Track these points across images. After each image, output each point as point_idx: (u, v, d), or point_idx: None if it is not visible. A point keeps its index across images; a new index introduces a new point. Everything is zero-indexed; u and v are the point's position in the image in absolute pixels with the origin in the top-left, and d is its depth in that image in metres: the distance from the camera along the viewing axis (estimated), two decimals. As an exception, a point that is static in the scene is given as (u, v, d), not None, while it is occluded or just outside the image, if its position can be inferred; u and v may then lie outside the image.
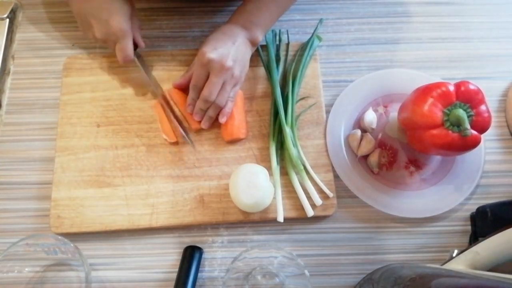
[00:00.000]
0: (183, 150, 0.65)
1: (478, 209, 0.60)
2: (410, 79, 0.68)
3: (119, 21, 0.60)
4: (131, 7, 0.62)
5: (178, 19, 0.74)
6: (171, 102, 0.66)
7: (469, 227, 0.62)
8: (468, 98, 0.56)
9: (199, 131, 0.66)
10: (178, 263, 0.59)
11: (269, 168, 0.62)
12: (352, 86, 0.69)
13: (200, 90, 0.62)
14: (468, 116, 0.56)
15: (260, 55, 0.70)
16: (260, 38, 0.65)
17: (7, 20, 0.73)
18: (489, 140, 0.67)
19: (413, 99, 0.59)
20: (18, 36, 0.73)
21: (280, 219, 0.59)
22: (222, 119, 0.63)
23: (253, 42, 0.65)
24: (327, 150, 0.65)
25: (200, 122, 0.65)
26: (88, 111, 0.67)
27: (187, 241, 0.61)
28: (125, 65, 0.67)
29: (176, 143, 0.65)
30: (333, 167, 0.64)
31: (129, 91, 0.68)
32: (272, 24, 0.67)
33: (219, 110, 0.64)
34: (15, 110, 0.68)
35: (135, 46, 0.66)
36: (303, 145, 0.65)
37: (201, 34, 0.73)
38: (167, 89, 0.67)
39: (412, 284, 0.40)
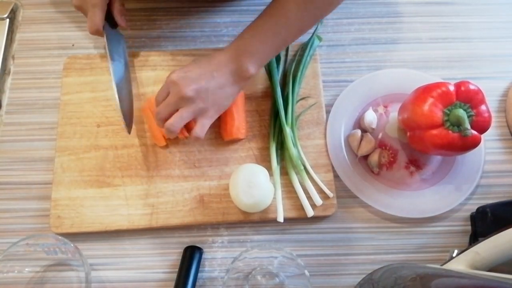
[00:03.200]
0: (183, 150, 0.65)
1: (478, 209, 0.60)
2: (410, 79, 0.68)
3: None
4: None
5: (178, 19, 0.74)
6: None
7: (469, 227, 0.62)
8: (468, 98, 0.56)
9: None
10: (178, 263, 0.59)
11: (269, 168, 0.62)
12: (352, 86, 0.69)
13: (158, 104, 0.60)
14: (468, 116, 0.56)
15: (260, 55, 0.70)
16: (252, 71, 0.58)
17: (7, 20, 0.73)
18: (489, 140, 0.67)
19: (413, 99, 0.59)
20: (18, 36, 0.73)
21: (280, 219, 0.59)
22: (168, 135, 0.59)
23: (242, 75, 0.58)
24: (327, 150, 0.65)
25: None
26: (88, 111, 0.67)
27: (187, 241, 0.61)
28: (96, 37, 0.66)
29: (166, 146, 0.65)
30: (333, 167, 0.64)
31: (129, 91, 0.68)
32: (269, 56, 0.61)
33: (174, 134, 0.59)
34: (15, 110, 0.68)
35: (116, 25, 0.66)
36: (303, 145, 0.65)
37: (201, 34, 0.73)
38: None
39: (412, 284, 0.40)
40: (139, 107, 0.67)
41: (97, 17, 0.62)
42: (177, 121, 0.57)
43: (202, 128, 0.59)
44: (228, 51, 0.59)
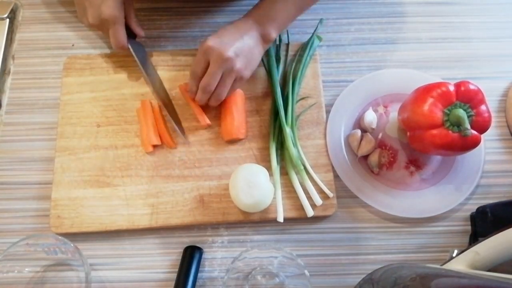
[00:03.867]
0: (183, 150, 0.65)
1: (478, 209, 0.60)
2: (410, 79, 0.68)
3: (111, 6, 0.60)
4: None
5: (178, 19, 0.74)
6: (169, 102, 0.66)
7: (469, 227, 0.62)
8: (468, 98, 0.56)
9: (199, 130, 0.66)
10: (178, 263, 0.59)
11: (269, 168, 0.62)
12: (352, 86, 0.69)
13: (198, 78, 0.61)
14: (468, 116, 0.56)
15: (260, 55, 0.70)
16: (274, 35, 0.63)
17: (7, 20, 0.73)
18: (489, 140, 0.67)
19: (413, 99, 0.59)
20: (18, 36, 0.73)
21: (280, 219, 0.59)
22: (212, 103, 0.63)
23: (265, 39, 0.63)
24: (327, 150, 0.65)
25: (207, 118, 0.65)
26: (88, 111, 0.67)
27: (187, 241, 0.61)
28: (120, 52, 0.67)
29: (152, 153, 0.64)
30: (333, 167, 0.64)
31: (129, 91, 0.68)
32: (288, 22, 0.65)
33: (220, 101, 0.63)
34: (15, 110, 0.68)
35: (134, 35, 0.66)
36: (303, 145, 0.65)
37: (201, 34, 0.73)
38: (180, 84, 0.68)
39: (412, 284, 0.40)
40: (137, 107, 0.67)
41: (121, 33, 0.63)
42: (223, 90, 0.61)
43: (232, 90, 0.63)
44: (251, 17, 0.63)
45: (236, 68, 0.60)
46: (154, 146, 0.64)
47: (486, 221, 0.58)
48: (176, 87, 0.68)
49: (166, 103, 0.66)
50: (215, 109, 0.66)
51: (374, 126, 0.66)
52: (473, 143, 0.56)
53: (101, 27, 0.63)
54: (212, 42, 0.59)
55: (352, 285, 0.59)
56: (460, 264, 0.50)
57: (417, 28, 0.74)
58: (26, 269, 0.59)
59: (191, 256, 0.59)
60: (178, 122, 0.65)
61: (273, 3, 0.62)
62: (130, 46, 0.66)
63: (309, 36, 0.71)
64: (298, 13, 0.65)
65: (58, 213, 0.61)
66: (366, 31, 0.74)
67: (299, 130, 0.66)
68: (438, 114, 0.56)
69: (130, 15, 0.65)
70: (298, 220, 0.62)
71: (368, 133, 0.65)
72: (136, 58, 0.66)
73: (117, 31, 0.62)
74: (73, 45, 0.72)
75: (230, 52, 0.58)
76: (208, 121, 0.65)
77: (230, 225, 0.62)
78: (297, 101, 0.67)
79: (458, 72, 0.71)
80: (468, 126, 0.55)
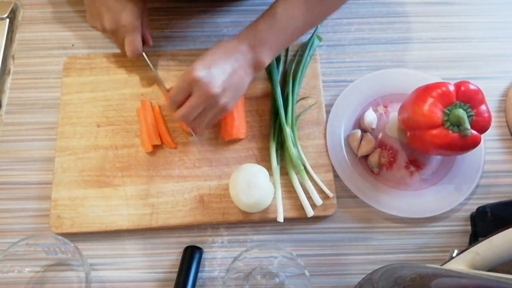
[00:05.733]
0: (183, 150, 0.65)
1: (478, 209, 0.60)
2: (410, 79, 0.68)
3: (131, 15, 0.60)
4: (143, 5, 0.63)
5: (178, 19, 0.74)
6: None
7: (469, 227, 0.62)
8: (468, 98, 0.56)
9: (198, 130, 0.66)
10: (178, 263, 0.59)
11: (269, 168, 0.62)
12: (352, 86, 0.69)
13: (177, 105, 0.57)
14: (468, 116, 0.56)
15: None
16: (267, 62, 0.59)
17: (7, 20, 0.73)
18: (489, 140, 0.67)
19: (413, 99, 0.59)
20: (18, 36, 0.73)
21: (280, 219, 0.59)
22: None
23: (257, 66, 0.59)
24: (327, 150, 0.65)
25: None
26: (88, 111, 0.67)
27: (187, 241, 0.61)
28: (134, 60, 0.67)
29: (152, 153, 0.64)
30: (333, 167, 0.64)
31: (129, 91, 0.68)
32: (282, 48, 0.62)
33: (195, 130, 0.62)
34: (15, 110, 0.68)
35: (143, 43, 0.66)
36: (303, 145, 0.65)
37: (201, 34, 0.73)
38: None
39: (412, 284, 0.40)
40: (137, 107, 0.67)
41: (138, 41, 0.63)
42: (200, 122, 0.58)
43: (212, 121, 0.60)
44: (245, 41, 0.58)
45: (221, 103, 0.56)
46: (154, 146, 0.64)
47: (486, 221, 0.58)
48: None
49: None
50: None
51: (374, 126, 0.66)
52: (473, 143, 0.56)
53: (116, 33, 0.63)
54: (199, 73, 0.54)
55: (352, 285, 0.59)
56: (460, 264, 0.50)
57: (417, 28, 0.74)
58: (26, 269, 0.59)
59: (191, 256, 0.59)
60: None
61: (269, 26, 0.58)
62: (144, 54, 0.66)
63: (309, 36, 0.71)
64: (292, 40, 0.62)
65: (58, 213, 0.61)
66: (366, 31, 0.74)
67: (299, 130, 0.66)
68: (438, 114, 0.56)
69: (145, 24, 0.65)
70: (298, 220, 0.62)
71: (368, 133, 0.65)
72: (150, 65, 0.67)
73: (135, 39, 0.62)
74: (73, 45, 0.72)
75: (217, 88, 0.54)
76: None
77: (230, 225, 0.62)
78: (297, 101, 0.67)
79: (458, 72, 0.71)
80: (468, 126, 0.55)
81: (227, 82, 0.56)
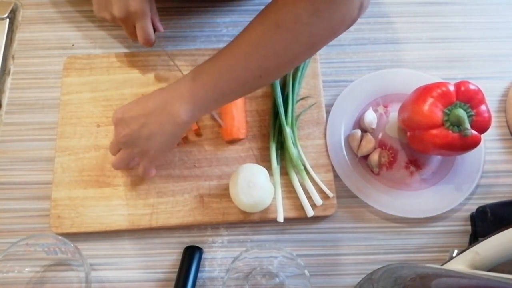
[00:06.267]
0: (183, 150, 0.65)
1: (478, 209, 0.60)
2: (410, 79, 0.68)
3: (140, 1, 0.60)
4: None
5: (178, 19, 0.74)
6: None
7: (469, 227, 0.62)
8: (468, 98, 0.56)
9: (198, 130, 0.66)
10: (178, 263, 0.59)
11: (269, 168, 0.62)
12: (352, 86, 0.69)
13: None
14: (468, 116, 0.56)
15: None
16: (184, 117, 0.53)
17: (7, 20, 0.73)
18: (489, 140, 0.67)
19: (413, 99, 0.59)
20: (18, 36, 0.73)
21: (280, 219, 0.59)
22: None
23: (174, 121, 0.53)
24: (327, 150, 0.65)
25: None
26: (88, 111, 0.67)
27: (187, 241, 0.61)
28: (147, 46, 0.65)
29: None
30: (333, 167, 0.64)
31: (129, 91, 0.68)
32: (206, 105, 0.54)
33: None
34: (15, 110, 0.68)
35: (154, 30, 0.66)
36: (303, 145, 0.65)
37: (201, 34, 0.73)
38: None
39: (412, 284, 0.40)
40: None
41: (150, 27, 0.63)
42: (118, 162, 0.59)
43: (144, 169, 0.58)
44: (167, 91, 0.54)
45: (135, 151, 0.56)
46: None
47: (486, 221, 0.58)
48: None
49: None
50: (215, 109, 0.66)
51: (374, 126, 0.66)
52: (473, 143, 0.56)
53: (126, 21, 0.62)
54: (116, 116, 0.55)
55: (352, 285, 0.59)
56: (460, 264, 0.50)
57: (417, 28, 0.74)
58: (26, 269, 0.59)
59: (191, 256, 0.59)
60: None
61: (192, 80, 0.53)
62: (157, 41, 0.66)
63: (309, 36, 0.71)
64: (221, 98, 0.54)
65: (58, 213, 0.61)
66: (366, 31, 0.74)
67: (299, 130, 0.66)
68: (438, 114, 0.56)
69: (154, 10, 0.65)
70: (298, 220, 0.62)
71: (368, 133, 0.65)
72: (164, 50, 0.66)
73: (146, 25, 0.62)
74: (73, 45, 0.72)
75: (122, 138, 0.55)
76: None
77: (230, 225, 0.62)
78: (297, 101, 0.67)
79: (458, 72, 0.71)
80: (468, 126, 0.55)
81: (135, 135, 0.54)
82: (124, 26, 0.64)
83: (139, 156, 0.57)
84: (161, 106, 0.54)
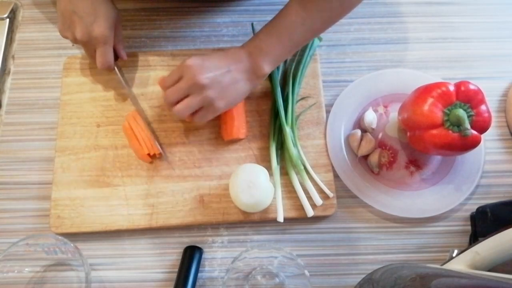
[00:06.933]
0: (183, 150, 0.65)
1: (478, 209, 0.60)
2: (410, 79, 0.68)
3: (103, 26, 0.59)
4: (117, 16, 0.62)
5: (178, 19, 0.74)
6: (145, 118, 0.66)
7: (469, 227, 0.62)
8: (468, 98, 0.56)
9: (199, 130, 0.66)
10: (178, 263, 0.59)
11: (269, 168, 0.62)
12: (352, 86, 0.69)
13: (165, 88, 0.59)
14: (468, 116, 0.56)
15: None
16: (266, 70, 0.59)
17: (7, 20, 0.73)
18: (489, 140, 0.67)
19: (413, 99, 0.59)
20: (18, 36, 0.73)
21: (280, 219, 0.59)
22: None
23: (257, 73, 0.59)
24: (327, 150, 0.65)
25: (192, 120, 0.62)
26: (88, 111, 0.67)
27: (187, 241, 0.61)
28: (106, 71, 0.66)
29: (153, 157, 0.64)
30: (333, 167, 0.64)
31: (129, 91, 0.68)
32: (284, 55, 0.61)
33: (181, 117, 0.60)
34: (15, 110, 0.68)
35: (116, 56, 0.66)
36: (303, 145, 0.65)
37: (201, 34, 0.73)
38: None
39: (412, 284, 0.40)
40: (123, 123, 0.66)
41: (109, 53, 0.62)
42: (185, 109, 0.57)
43: (202, 118, 0.59)
44: (245, 48, 0.59)
45: (208, 97, 0.57)
46: (151, 156, 0.64)
47: (486, 221, 0.58)
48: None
49: (149, 121, 0.66)
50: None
51: (374, 126, 0.66)
52: (473, 143, 0.56)
53: (87, 44, 0.62)
54: (192, 61, 0.56)
55: (352, 285, 0.59)
56: (460, 264, 0.50)
57: (417, 28, 0.74)
58: (26, 269, 0.59)
59: (191, 256, 0.59)
60: (157, 140, 0.65)
61: (268, 37, 0.59)
62: (115, 67, 0.66)
63: (309, 36, 0.71)
64: (294, 48, 0.61)
65: (58, 213, 0.61)
66: (366, 31, 0.74)
67: (299, 130, 0.66)
68: (438, 114, 0.56)
69: (118, 37, 0.64)
70: (298, 220, 0.62)
71: (368, 133, 0.65)
72: (121, 79, 0.66)
73: (106, 51, 0.62)
74: (73, 45, 0.72)
75: (204, 79, 0.55)
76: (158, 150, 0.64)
77: (230, 225, 0.62)
78: (297, 101, 0.67)
79: (458, 72, 0.71)
80: (468, 126, 0.55)
81: (218, 78, 0.56)
82: (84, 48, 0.64)
83: (208, 103, 0.57)
84: (243, 59, 0.58)
